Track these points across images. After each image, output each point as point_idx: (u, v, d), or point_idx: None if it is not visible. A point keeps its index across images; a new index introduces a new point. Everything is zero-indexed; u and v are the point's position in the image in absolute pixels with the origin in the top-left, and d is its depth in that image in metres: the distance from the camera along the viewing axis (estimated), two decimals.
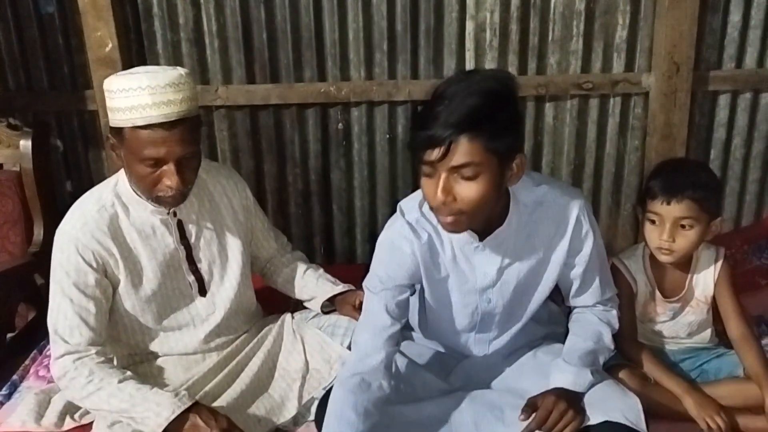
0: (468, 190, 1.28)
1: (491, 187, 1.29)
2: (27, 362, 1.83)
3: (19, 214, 2.17)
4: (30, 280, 2.15)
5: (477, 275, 1.51)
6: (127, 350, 1.64)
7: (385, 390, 1.45)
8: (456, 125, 1.23)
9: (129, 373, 1.47)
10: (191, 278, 1.62)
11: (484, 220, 1.40)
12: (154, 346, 1.63)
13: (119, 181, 1.55)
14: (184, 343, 1.63)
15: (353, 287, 1.77)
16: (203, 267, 1.63)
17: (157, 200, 1.49)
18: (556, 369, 1.49)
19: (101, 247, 1.49)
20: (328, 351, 1.67)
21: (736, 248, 2.19)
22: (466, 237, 1.46)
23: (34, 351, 1.86)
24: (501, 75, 1.33)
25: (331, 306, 1.78)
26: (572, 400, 1.42)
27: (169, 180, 1.42)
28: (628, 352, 1.69)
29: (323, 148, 2.39)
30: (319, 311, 1.78)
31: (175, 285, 1.60)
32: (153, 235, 1.56)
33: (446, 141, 1.23)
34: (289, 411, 1.59)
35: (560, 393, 1.43)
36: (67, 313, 1.46)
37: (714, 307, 1.73)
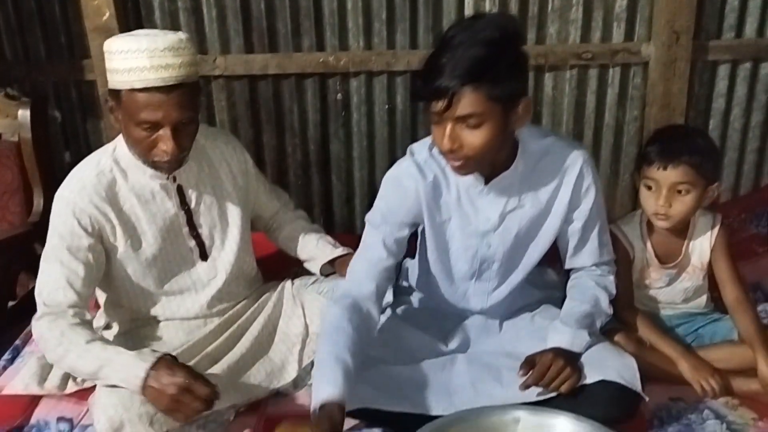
0: (473, 138, 1.33)
1: (496, 133, 1.34)
2: (28, 329, 1.84)
3: (19, 184, 2.18)
4: (30, 250, 2.16)
5: (479, 219, 1.54)
6: (129, 315, 1.66)
7: (375, 319, 1.51)
8: (459, 77, 1.27)
9: (98, 334, 1.45)
10: (192, 243, 1.62)
11: (491, 165, 1.45)
12: (155, 311, 1.64)
13: (117, 147, 1.55)
14: (185, 308, 1.65)
15: (352, 251, 1.77)
16: (204, 232, 1.64)
17: (153, 165, 1.49)
18: (554, 330, 1.51)
19: (99, 211, 1.49)
20: None
21: (734, 217, 2.20)
22: (472, 180, 1.50)
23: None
24: (503, 21, 1.37)
25: (331, 269, 1.79)
26: (569, 359, 1.45)
27: (165, 145, 1.42)
28: (624, 317, 1.70)
29: (322, 118, 2.38)
30: (319, 273, 1.80)
31: (176, 249, 1.61)
32: (152, 199, 1.56)
33: (449, 93, 1.28)
34: (290, 374, 1.61)
35: (558, 351, 1.45)
36: (54, 274, 1.45)
37: (710, 273, 1.75)
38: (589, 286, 1.61)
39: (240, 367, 1.57)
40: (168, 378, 1.31)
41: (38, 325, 1.44)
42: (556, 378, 1.42)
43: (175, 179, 1.58)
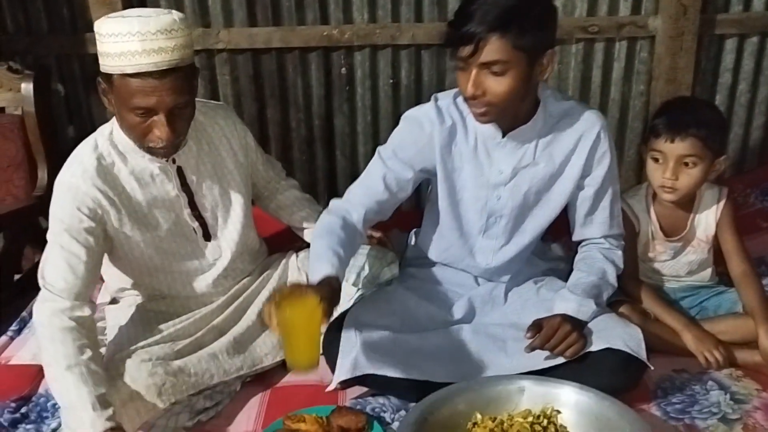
0: (497, 85, 1.36)
1: (520, 82, 1.37)
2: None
3: (23, 158, 2.17)
4: (35, 223, 2.17)
5: (492, 170, 1.56)
6: (134, 292, 1.65)
7: (359, 239, 1.56)
8: (486, 23, 1.31)
9: (84, 356, 1.33)
10: (195, 224, 1.59)
11: (511, 117, 1.48)
12: (162, 289, 1.63)
13: (114, 129, 1.50)
14: (192, 286, 1.63)
15: None
16: (207, 212, 1.60)
17: (149, 150, 1.44)
18: (561, 298, 1.52)
19: (102, 195, 1.44)
20: None
21: (739, 192, 2.20)
22: (491, 131, 1.52)
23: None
24: None
25: None
26: (576, 325, 1.46)
27: (159, 131, 1.37)
28: (629, 289, 1.71)
29: (326, 92, 2.37)
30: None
31: (179, 231, 1.58)
32: (152, 182, 1.52)
33: (475, 39, 1.31)
34: None
35: (565, 317, 1.46)
36: (55, 259, 1.40)
37: (715, 247, 1.75)
38: (598, 258, 1.62)
39: (246, 338, 1.58)
40: None
41: (39, 311, 1.39)
42: (561, 342, 1.43)
43: (174, 161, 1.53)
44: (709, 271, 1.78)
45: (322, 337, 1.43)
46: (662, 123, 1.63)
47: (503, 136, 1.53)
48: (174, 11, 1.40)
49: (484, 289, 1.72)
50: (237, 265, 1.68)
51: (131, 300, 1.65)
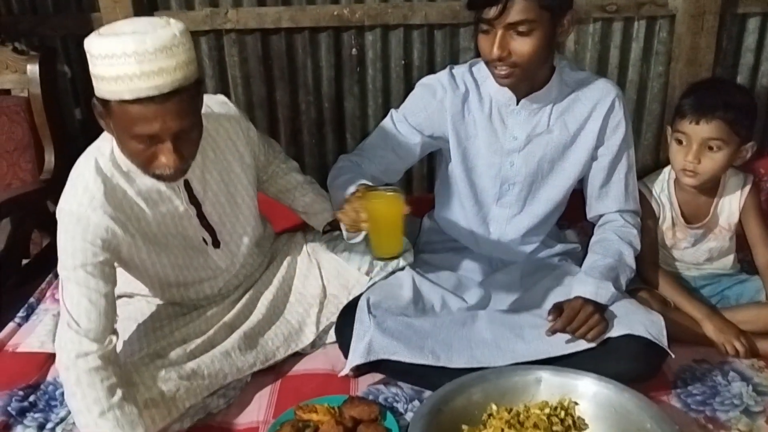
0: (523, 45, 1.38)
1: (544, 42, 1.40)
2: (43, 286, 1.84)
3: (30, 141, 2.14)
4: (42, 207, 2.15)
5: (506, 137, 1.58)
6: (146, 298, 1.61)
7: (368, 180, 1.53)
8: None
9: (116, 398, 1.27)
10: (204, 233, 1.52)
11: (528, 83, 1.50)
12: (174, 298, 1.58)
13: (114, 148, 1.36)
14: (204, 292, 1.59)
15: None
16: (213, 219, 1.53)
17: (156, 177, 1.33)
18: (578, 281, 1.50)
19: (114, 222, 1.34)
20: (346, 276, 1.65)
21: (761, 176, 2.14)
22: (506, 97, 1.54)
23: (50, 275, 1.86)
24: None
25: (328, 227, 1.72)
26: (597, 308, 1.44)
27: (166, 158, 1.25)
28: (648, 277, 1.67)
29: (336, 74, 2.32)
30: (321, 231, 1.74)
31: (190, 243, 1.51)
32: (160, 200, 1.42)
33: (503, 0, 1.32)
34: (307, 337, 1.59)
35: (586, 300, 1.44)
36: (74, 297, 1.30)
37: (738, 232, 1.70)
38: (613, 240, 1.59)
39: (257, 332, 1.54)
40: None
41: (63, 352, 1.29)
42: (583, 325, 1.41)
43: None
44: (730, 258, 1.73)
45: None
46: (688, 104, 1.58)
47: (517, 103, 1.54)
48: (172, 21, 1.23)
49: (500, 274, 1.69)
50: (247, 261, 1.65)
51: (140, 299, 1.60)
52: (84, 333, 1.28)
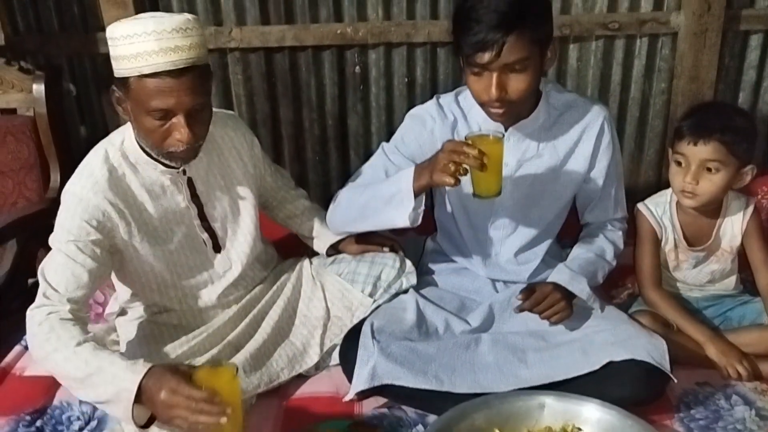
0: (518, 83, 1.39)
1: (537, 74, 1.42)
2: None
3: (35, 160, 2.16)
4: (48, 226, 2.14)
5: None
6: (145, 305, 1.62)
7: None
8: (504, 26, 1.32)
9: (90, 334, 1.34)
10: (205, 235, 1.57)
11: (517, 113, 1.51)
12: (172, 303, 1.60)
13: (125, 139, 1.47)
14: (202, 299, 1.61)
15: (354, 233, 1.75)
16: (216, 223, 1.58)
17: (168, 156, 1.41)
18: (556, 270, 1.58)
19: (112, 207, 1.42)
20: (349, 298, 1.66)
21: (763, 193, 2.14)
22: (495, 125, 1.54)
23: None
24: None
25: (333, 251, 1.77)
26: (566, 295, 1.51)
27: (179, 133, 1.35)
28: (651, 299, 1.67)
29: (340, 92, 2.33)
30: (325, 254, 1.78)
31: (189, 243, 1.55)
32: (163, 194, 1.49)
33: (498, 42, 1.32)
34: (311, 358, 1.61)
35: (557, 286, 1.52)
36: (59, 267, 1.37)
37: (740, 254, 1.70)
38: (599, 237, 1.69)
39: (262, 353, 1.56)
40: (155, 388, 1.21)
41: (31, 315, 1.35)
42: (549, 309, 1.49)
43: (185, 172, 1.51)
44: (732, 279, 1.73)
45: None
46: (687, 125, 1.59)
47: (506, 130, 1.55)
48: (185, 14, 1.38)
49: (503, 295, 1.70)
50: (247, 274, 1.67)
51: (140, 313, 1.62)
52: (59, 298, 1.35)
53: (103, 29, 2.15)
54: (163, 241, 1.51)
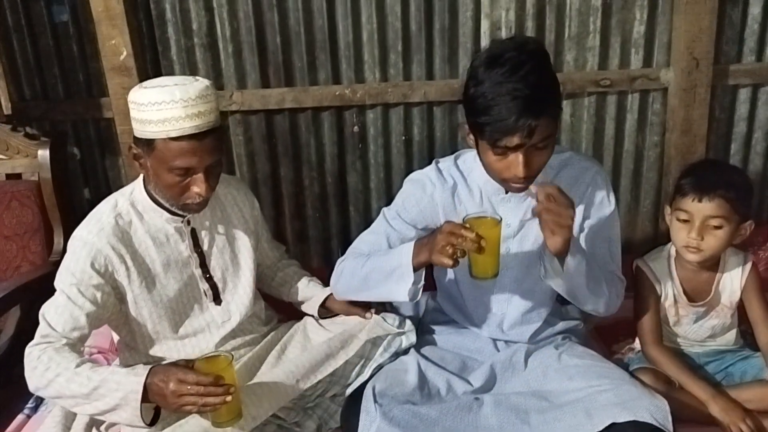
0: (542, 158, 1.42)
1: (554, 146, 1.43)
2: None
3: (39, 224, 2.18)
4: (52, 290, 2.16)
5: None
6: (144, 358, 1.63)
7: None
8: (534, 111, 1.31)
9: (85, 357, 1.44)
10: (205, 286, 1.63)
11: None
12: (170, 354, 1.62)
13: (135, 190, 1.58)
14: (200, 348, 1.63)
15: None
16: (216, 275, 1.65)
17: (184, 207, 1.53)
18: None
19: (115, 253, 1.51)
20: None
21: (759, 244, 2.17)
22: (495, 187, 1.56)
23: None
24: (531, 45, 1.41)
25: (327, 312, 1.78)
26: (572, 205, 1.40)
27: (198, 188, 1.47)
28: (652, 356, 1.68)
29: (339, 150, 2.38)
30: (317, 316, 1.79)
31: (189, 293, 1.62)
32: (167, 242, 1.58)
33: (531, 126, 1.32)
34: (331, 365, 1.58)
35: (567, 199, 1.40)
36: (59, 308, 1.47)
37: (740, 308, 1.71)
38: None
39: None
40: (162, 382, 1.33)
41: (29, 352, 1.43)
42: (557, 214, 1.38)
43: (189, 222, 1.60)
44: (733, 333, 1.74)
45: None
46: (690, 183, 1.62)
47: (506, 192, 1.57)
48: (200, 78, 1.50)
49: (504, 355, 1.69)
50: (245, 327, 1.70)
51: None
52: (56, 337, 1.43)
53: (108, 95, 2.24)
54: (163, 287, 1.57)
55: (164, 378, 1.33)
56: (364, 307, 1.73)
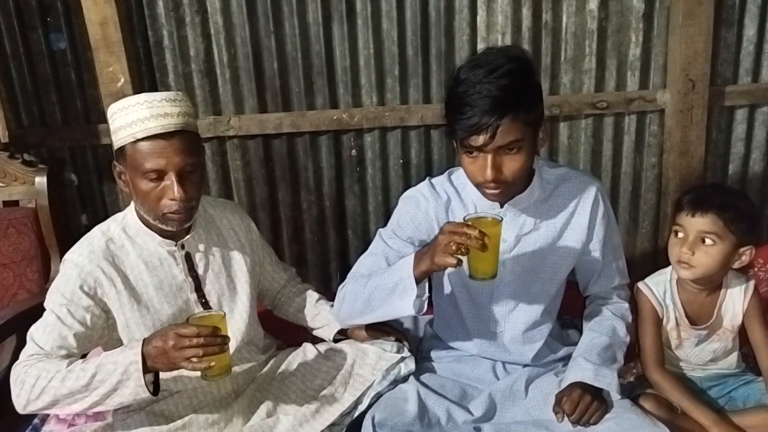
0: (513, 163, 1.41)
1: (530, 154, 1.44)
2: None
3: (36, 251, 2.18)
4: None
5: None
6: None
7: None
8: (498, 110, 1.34)
9: (73, 358, 1.43)
10: (200, 311, 1.57)
11: (512, 191, 1.52)
12: (167, 384, 1.59)
13: (127, 215, 1.58)
14: (197, 379, 1.60)
15: None
16: (212, 299, 1.62)
17: (164, 219, 1.49)
18: (576, 366, 1.54)
19: (105, 276, 1.49)
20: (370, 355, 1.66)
21: (759, 266, 2.15)
22: (489, 202, 1.55)
23: None
24: (513, 51, 1.43)
25: (340, 336, 1.77)
26: (594, 393, 1.48)
27: (172, 192, 1.44)
28: (655, 380, 1.66)
29: (337, 174, 2.38)
30: (331, 340, 1.77)
31: (184, 318, 1.53)
32: (160, 266, 1.56)
33: (493, 125, 1.34)
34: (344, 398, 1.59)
35: (583, 386, 1.49)
36: (48, 327, 1.45)
37: (740, 330, 1.70)
38: (606, 316, 1.67)
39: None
40: (161, 341, 1.34)
41: (15, 370, 1.41)
42: (585, 414, 1.46)
43: (183, 246, 1.58)
44: (734, 356, 1.72)
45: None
46: (687, 198, 1.63)
47: (501, 206, 1.57)
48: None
49: (504, 383, 1.67)
50: (243, 354, 1.67)
51: (136, 405, 1.59)
52: (44, 354, 1.42)
53: (105, 121, 2.23)
54: (156, 311, 1.55)
55: (162, 336, 1.34)
56: (386, 333, 1.71)
